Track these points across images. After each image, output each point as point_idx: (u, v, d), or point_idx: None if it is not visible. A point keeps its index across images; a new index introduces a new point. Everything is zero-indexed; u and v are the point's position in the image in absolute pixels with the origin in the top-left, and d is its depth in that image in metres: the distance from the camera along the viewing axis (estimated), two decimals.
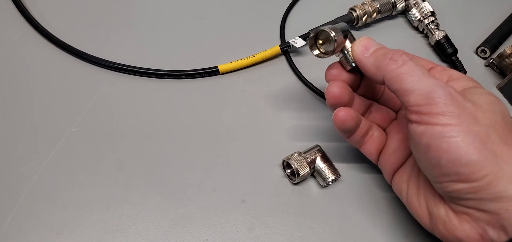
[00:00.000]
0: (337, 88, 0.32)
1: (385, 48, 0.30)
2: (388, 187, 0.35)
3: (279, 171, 0.36)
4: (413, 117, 0.27)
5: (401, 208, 0.34)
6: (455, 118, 0.25)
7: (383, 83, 0.29)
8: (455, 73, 0.31)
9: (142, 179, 0.35)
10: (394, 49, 0.30)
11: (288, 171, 0.35)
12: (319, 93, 0.41)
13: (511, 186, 0.24)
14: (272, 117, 0.40)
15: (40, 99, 0.39)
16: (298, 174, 0.34)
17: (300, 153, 0.35)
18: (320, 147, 0.36)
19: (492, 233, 0.25)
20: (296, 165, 0.34)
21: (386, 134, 0.34)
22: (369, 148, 0.33)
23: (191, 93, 0.41)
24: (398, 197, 0.32)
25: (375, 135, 0.33)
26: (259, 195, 0.34)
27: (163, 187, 0.34)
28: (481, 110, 0.26)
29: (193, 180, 0.35)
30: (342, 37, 0.31)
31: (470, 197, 0.25)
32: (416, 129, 0.27)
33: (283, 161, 0.36)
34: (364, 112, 0.34)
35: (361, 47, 0.31)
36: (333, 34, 0.31)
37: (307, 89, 0.42)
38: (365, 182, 0.36)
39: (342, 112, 0.31)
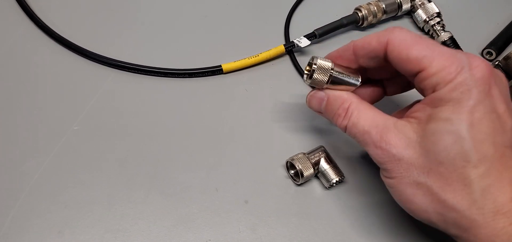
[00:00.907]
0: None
1: (329, 103, 0.32)
2: None
3: (282, 172, 0.36)
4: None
5: (404, 211, 0.34)
6: (390, 172, 0.28)
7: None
8: (443, 78, 0.27)
9: (144, 178, 0.34)
10: (336, 102, 0.31)
11: (292, 171, 0.35)
12: None
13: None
14: (276, 117, 0.39)
15: (41, 97, 0.39)
16: (302, 175, 0.34)
17: (304, 153, 0.35)
18: (324, 148, 0.36)
19: None
20: (300, 166, 0.34)
21: None
22: None
23: (194, 92, 0.40)
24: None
25: None
26: (262, 195, 0.34)
27: (165, 186, 0.34)
28: (424, 151, 0.27)
29: (196, 180, 0.35)
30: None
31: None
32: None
33: (287, 162, 0.35)
34: None
35: (314, 107, 0.34)
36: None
37: (312, 89, 0.42)
38: (369, 184, 0.36)
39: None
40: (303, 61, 0.44)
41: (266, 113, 0.39)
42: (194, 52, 0.44)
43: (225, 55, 0.43)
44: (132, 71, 0.41)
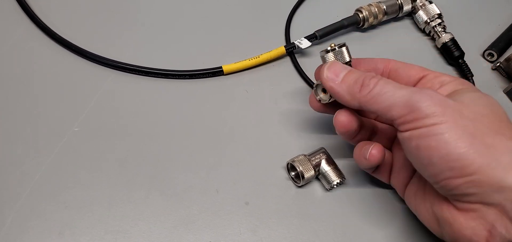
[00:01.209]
0: (345, 116, 0.32)
1: (354, 71, 0.31)
2: (393, 191, 0.34)
3: (283, 173, 0.36)
4: (401, 128, 0.27)
5: (405, 213, 0.34)
6: (439, 117, 0.26)
7: (359, 109, 0.30)
8: (446, 78, 0.31)
9: (145, 179, 0.34)
10: (363, 72, 0.30)
11: (293, 173, 0.35)
12: None
13: (509, 176, 0.24)
14: (277, 118, 0.39)
15: (41, 98, 0.38)
16: (303, 177, 0.33)
17: (305, 155, 0.35)
18: (325, 150, 0.36)
19: (500, 227, 0.25)
20: (301, 168, 0.33)
21: (392, 153, 0.34)
22: (380, 171, 0.33)
23: (195, 93, 0.40)
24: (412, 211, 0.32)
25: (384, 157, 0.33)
26: (263, 197, 0.34)
27: (165, 187, 0.34)
28: (465, 105, 0.27)
29: (196, 181, 0.34)
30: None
31: (472, 192, 0.25)
32: (404, 135, 0.27)
33: (288, 163, 0.35)
34: (369, 138, 0.34)
35: (330, 74, 0.31)
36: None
37: (312, 90, 0.42)
38: (370, 186, 0.36)
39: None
40: (303, 62, 0.43)
41: (266, 114, 0.39)
42: (194, 53, 0.44)
43: (225, 57, 0.42)
44: (132, 72, 0.41)
